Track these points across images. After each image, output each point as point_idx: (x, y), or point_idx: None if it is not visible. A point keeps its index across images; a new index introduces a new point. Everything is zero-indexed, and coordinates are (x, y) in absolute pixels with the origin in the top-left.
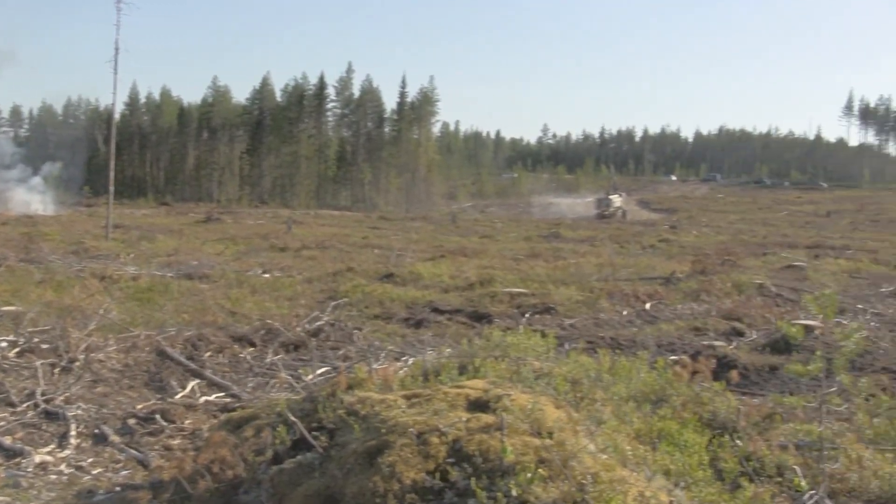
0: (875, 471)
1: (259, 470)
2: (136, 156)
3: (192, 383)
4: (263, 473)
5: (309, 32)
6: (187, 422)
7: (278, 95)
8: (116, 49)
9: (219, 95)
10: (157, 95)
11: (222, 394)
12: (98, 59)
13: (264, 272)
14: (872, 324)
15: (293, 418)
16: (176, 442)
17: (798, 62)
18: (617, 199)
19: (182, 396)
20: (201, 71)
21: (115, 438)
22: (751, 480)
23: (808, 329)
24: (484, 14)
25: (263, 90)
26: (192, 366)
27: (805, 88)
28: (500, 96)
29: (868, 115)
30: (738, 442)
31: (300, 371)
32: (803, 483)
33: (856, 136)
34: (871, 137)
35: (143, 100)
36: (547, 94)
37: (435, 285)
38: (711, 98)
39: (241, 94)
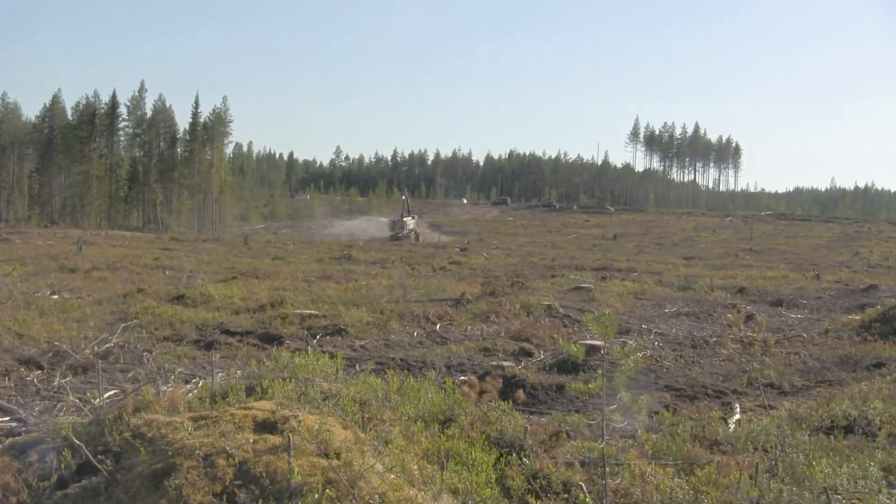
0: (657, 485)
1: (44, 495)
2: None
3: None
4: (48, 499)
5: (101, 50)
6: None
7: (69, 114)
8: None
9: (8, 112)
10: None
11: (7, 418)
12: None
13: (53, 293)
14: (657, 343)
15: (78, 442)
16: None
17: (586, 89)
18: (410, 222)
19: None
20: None
21: None
22: (537, 498)
23: (595, 349)
24: (277, 35)
25: (54, 108)
26: None
27: (593, 115)
28: (293, 118)
29: (653, 142)
30: (525, 460)
31: (87, 394)
32: (588, 499)
33: (641, 161)
34: (655, 163)
35: None
36: (340, 116)
37: (226, 307)
38: (502, 122)
39: (31, 111)
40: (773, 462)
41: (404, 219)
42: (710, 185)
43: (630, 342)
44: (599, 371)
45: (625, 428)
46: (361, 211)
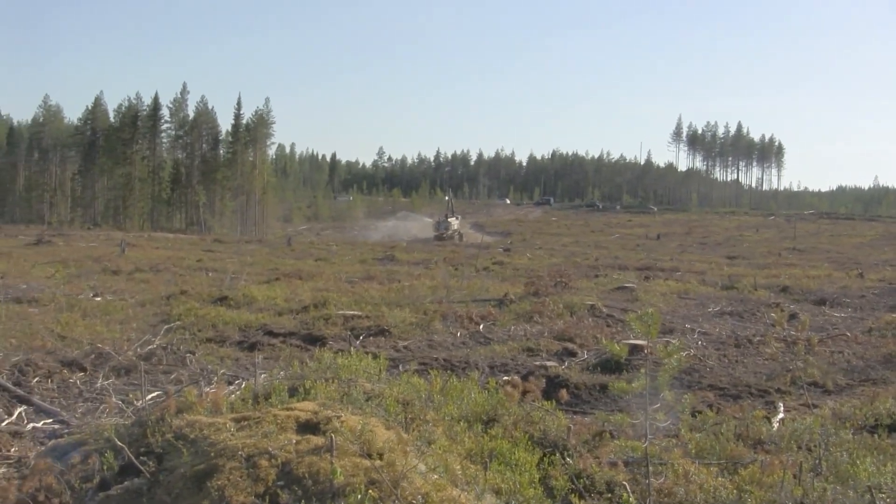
0: (700, 484)
1: (86, 497)
2: None
3: (18, 410)
4: (90, 500)
5: (143, 52)
6: (13, 450)
7: (111, 116)
8: None
9: (50, 115)
10: None
11: (50, 420)
12: None
13: (96, 295)
14: (700, 342)
15: (120, 443)
16: (0, 471)
17: (629, 88)
18: (454, 222)
19: (8, 423)
20: (32, 89)
21: None
22: (581, 497)
23: (638, 348)
24: (319, 36)
25: (96, 110)
26: (20, 392)
27: (636, 114)
28: (336, 119)
29: (696, 141)
30: (568, 460)
31: (130, 396)
32: (632, 499)
33: (684, 161)
34: (698, 163)
35: None
36: (383, 116)
37: (269, 308)
38: (545, 122)
39: (73, 113)
40: (817, 461)
41: (448, 219)
42: (753, 185)
43: (673, 341)
44: (642, 370)
45: (668, 427)
46: (404, 212)
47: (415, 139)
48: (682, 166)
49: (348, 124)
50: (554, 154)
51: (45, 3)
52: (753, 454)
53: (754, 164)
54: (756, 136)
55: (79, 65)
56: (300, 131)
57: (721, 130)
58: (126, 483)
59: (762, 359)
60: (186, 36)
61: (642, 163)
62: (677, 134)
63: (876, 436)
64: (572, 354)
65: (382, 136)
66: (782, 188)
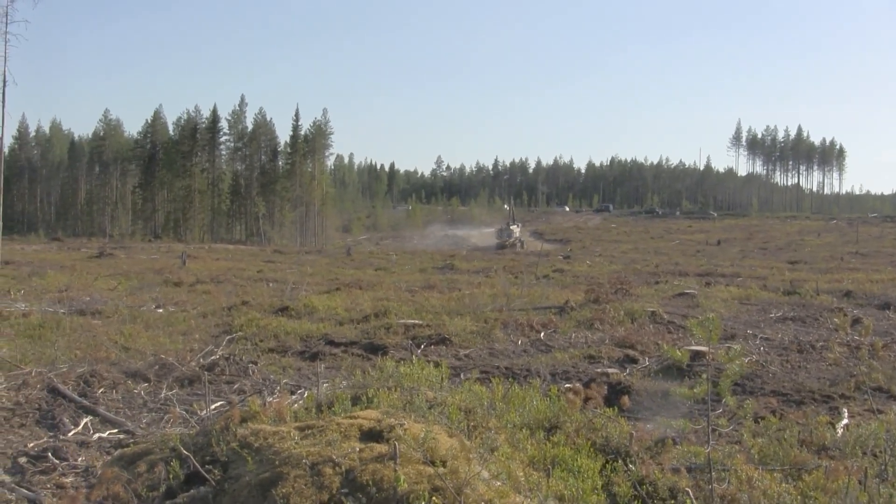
0: (764, 490)
1: None
2: (27, 190)
3: (84, 420)
4: None
5: (201, 66)
6: (80, 459)
7: (171, 129)
8: (4, 81)
9: (110, 129)
10: (46, 129)
11: (116, 430)
12: None
13: (158, 307)
14: (762, 348)
15: (186, 452)
16: (69, 480)
17: (688, 93)
18: (516, 230)
19: (74, 434)
20: (92, 103)
21: (5, 478)
22: None
23: (700, 354)
24: (377, 47)
25: (156, 123)
26: (85, 402)
27: (695, 119)
28: (394, 129)
29: (755, 146)
30: (630, 466)
31: (194, 406)
32: None
33: (744, 165)
34: (758, 167)
35: (32, 133)
36: (441, 126)
37: (330, 318)
38: (604, 129)
39: (132, 127)
40: (883, 467)
41: (510, 227)
42: (814, 188)
43: (735, 347)
44: (704, 376)
45: (731, 433)
46: (463, 221)
47: (473, 148)
48: (742, 171)
49: (406, 134)
50: (612, 161)
51: (106, 18)
52: (817, 460)
53: (815, 167)
54: (817, 140)
55: (139, 79)
56: (358, 142)
57: (781, 134)
58: (192, 491)
59: (825, 364)
60: (244, 48)
61: (701, 168)
62: (737, 138)
63: None
64: (633, 361)
65: (440, 145)
66: (844, 192)
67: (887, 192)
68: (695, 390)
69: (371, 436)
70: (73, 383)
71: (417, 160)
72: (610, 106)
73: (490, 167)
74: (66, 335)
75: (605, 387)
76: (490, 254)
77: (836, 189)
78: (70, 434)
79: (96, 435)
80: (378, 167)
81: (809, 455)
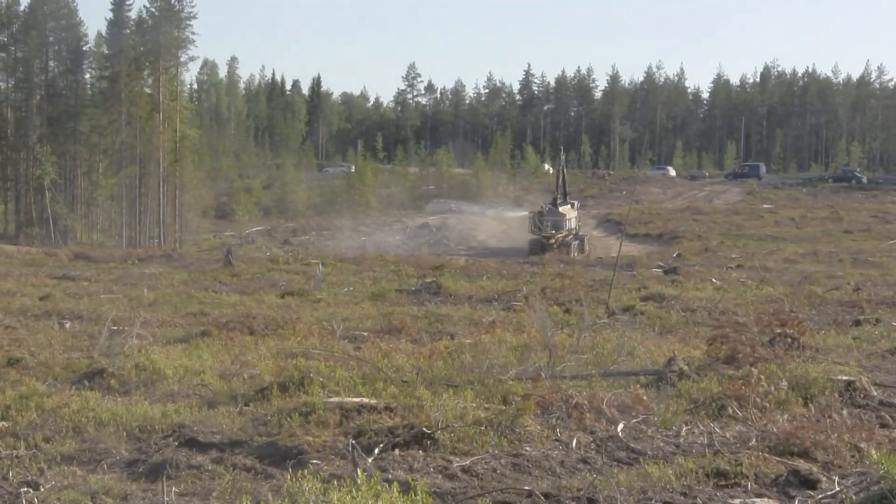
0: None
1: None
2: None
3: None
4: None
5: None
6: None
7: None
8: None
9: None
10: None
11: None
12: None
13: None
14: None
15: None
16: None
17: None
18: (570, 213)
19: None
20: None
21: None
22: None
23: None
24: None
25: None
26: None
27: None
28: (322, 18)
29: None
30: None
31: None
32: None
33: None
34: None
35: None
36: (421, 14)
37: (189, 393)
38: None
39: None
40: None
41: (558, 208)
42: None
43: None
44: None
45: None
46: (461, 195)
47: (478, 56)
48: None
49: (348, 27)
50: (767, 71)
51: None
52: None
53: None
54: None
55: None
56: (251, 40)
57: None
58: None
59: None
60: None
61: None
62: None
63: None
64: (809, 484)
65: (418, 51)
66: None
67: None
68: None
69: None
70: None
71: (373, 78)
72: None
73: (516, 88)
74: None
75: None
76: (516, 260)
77: None
78: None
79: None
80: (289, 86)
81: None
